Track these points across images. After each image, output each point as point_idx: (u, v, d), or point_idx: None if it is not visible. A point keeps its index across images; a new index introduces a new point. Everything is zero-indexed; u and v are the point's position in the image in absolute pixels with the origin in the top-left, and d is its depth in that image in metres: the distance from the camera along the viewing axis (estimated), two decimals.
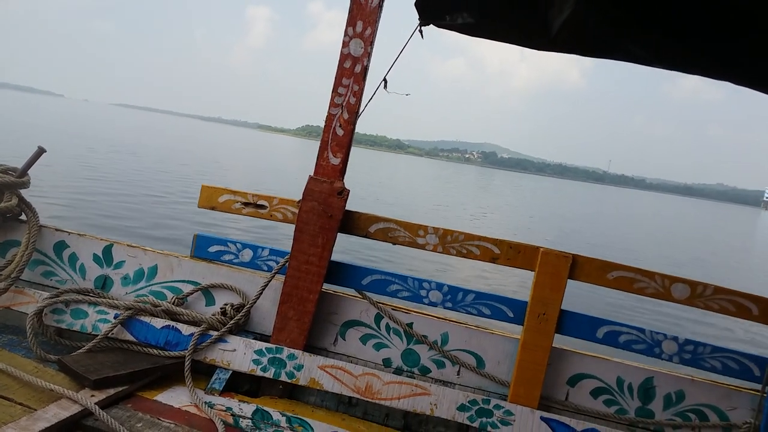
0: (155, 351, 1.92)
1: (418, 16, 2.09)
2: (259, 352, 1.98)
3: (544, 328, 1.91)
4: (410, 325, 2.06)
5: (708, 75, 1.96)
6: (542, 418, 1.87)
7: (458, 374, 2.02)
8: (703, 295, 1.83)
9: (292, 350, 1.98)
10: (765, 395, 1.77)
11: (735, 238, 35.93)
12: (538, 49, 2.06)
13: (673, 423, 1.86)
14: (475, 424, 1.87)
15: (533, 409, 1.89)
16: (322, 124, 2.03)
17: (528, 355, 1.92)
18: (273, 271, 2.09)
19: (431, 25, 2.14)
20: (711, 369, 1.83)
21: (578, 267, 1.92)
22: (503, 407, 1.90)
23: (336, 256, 2.06)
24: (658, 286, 1.87)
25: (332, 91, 2.02)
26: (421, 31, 2.14)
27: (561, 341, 1.97)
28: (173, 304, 2.08)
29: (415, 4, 2.08)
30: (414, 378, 2.03)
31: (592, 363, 1.94)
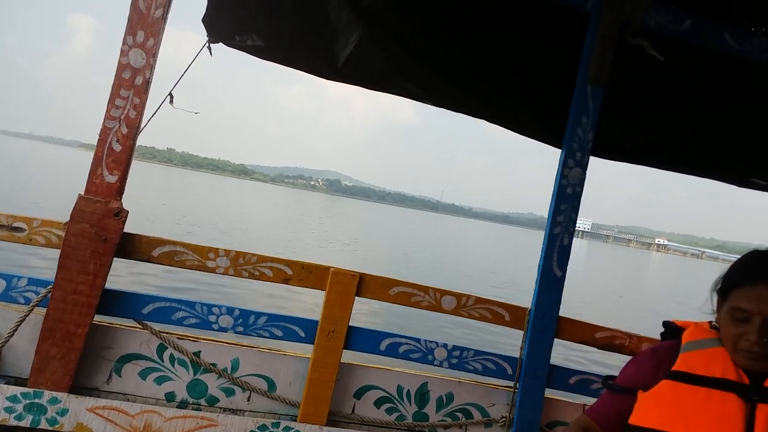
0: None
1: (206, 33, 2.05)
2: (13, 399, 1.70)
3: (333, 345, 1.98)
4: (197, 353, 1.97)
5: (468, 113, 2.26)
6: None
7: (249, 400, 1.98)
8: (467, 305, 2.08)
9: (54, 393, 1.74)
10: (516, 390, 2.07)
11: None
12: (327, 78, 2.16)
13: (444, 423, 2.06)
14: None
15: (321, 426, 1.93)
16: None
17: (318, 373, 1.96)
18: (31, 304, 1.82)
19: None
20: (474, 371, 2.08)
21: (364, 285, 2.04)
22: (293, 428, 1.91)
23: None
24: (431, 299, 2.07)
25: (108, 103, 1.85)
26: (209, 48, 2.09)
27: (349, 357, 2.06)
28: None
29: (203, 21, 2.03)
30: (201, 410, 1.93)
31: (376, 374, 2.06)
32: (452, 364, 2.07)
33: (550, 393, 2.10)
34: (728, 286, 1.35)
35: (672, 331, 1.57)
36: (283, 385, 2.02)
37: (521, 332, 2.09)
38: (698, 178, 2.27)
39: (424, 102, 2.25)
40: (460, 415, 2.08)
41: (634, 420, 1.44)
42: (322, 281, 2.01)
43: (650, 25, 2.08)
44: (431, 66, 2.14)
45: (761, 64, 2.08)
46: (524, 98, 2.21)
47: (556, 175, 2.10)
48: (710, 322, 1.48)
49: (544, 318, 2.05)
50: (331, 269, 2.01)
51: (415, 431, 2.05)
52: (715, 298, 1.39)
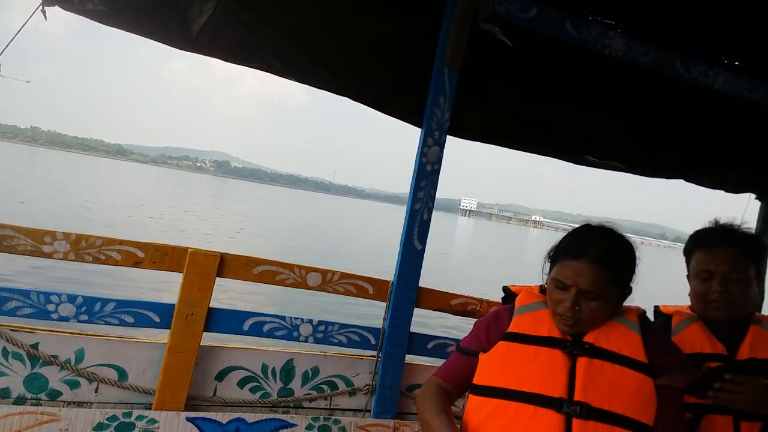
0: None
1: None
2: None
3: (192, 328, 1.91)
4: (35, 345, 1.79)
5: (331, 90, 2.26)
6: (188, 419, 1.87)
7: (96, 392, 1.85)
8: (332, 281, 2.11)
9: None
10: (379, 359, 2.15)
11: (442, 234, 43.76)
12: (181, 48, 2.04)
13: (309, 396, 2.09)
14: None
15: (179, 411, 1.87)
16: None
17: (175, 358, 1.89)
18: None
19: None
20: (339, 343, 2.13)
21: (226, 265, 1.98)
22: (147, 416, 1.82)
23: None
24: (296, 276, 2.07)
25: None
26: (44, 12, 1.87)
27: (211, 339, 2.01)
28: None
29: None
30: (40, 405, 1.77)
31: (239, 355, 2.03)
32: (318, 339, 2.10)
33: (410, 359, 2.22)
34: (555, 256, 1.52)
35: (509, 295, 1.73)
36: (136, 374, 1.91)
37: (384, 304, 2.17)
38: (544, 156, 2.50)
39: (287, 77, 2.21)
40: (325, 387, 2.13)
41: (477, 380, 1.57)
42: (179, 263, 1.93)
43: (500, 12, 2.21)
44: (292, 41, 2.10)
45: (595, 51, 2.32)
46: (386, 78, 2.26)
47: (417, 153, 2.19)
48: (541, 286, 1.65)
49: (405, 289, 2.15)
50: (189, 250, 1.93)
51: (281, 407, 2.06)
52: (547, 264, 1.55)
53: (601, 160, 2.35)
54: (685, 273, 1.82)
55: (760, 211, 2.67)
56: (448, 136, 2.20)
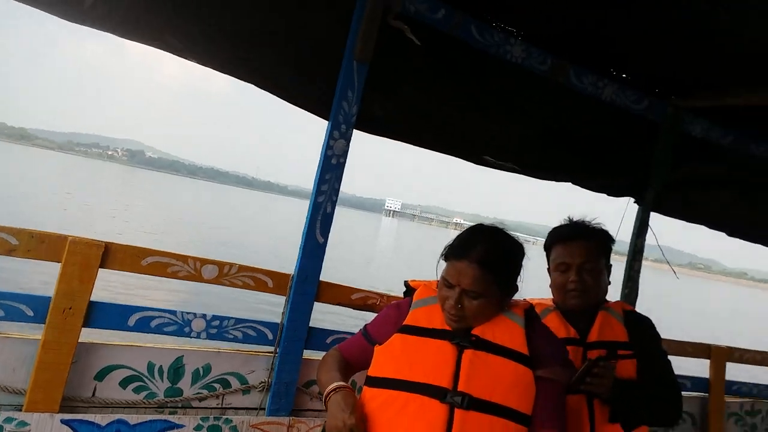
0: None
1: None
2: None
3: (69, 323, 1.76)
4: None
5: (237, 76, 2.18)
6: (63, 421, 1.73)
7: None
8: (229, 274, 2.04)
9: None
10: (276, 354, 2.10)
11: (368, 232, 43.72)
12: (73, 21, 1.88)
13: (199, 396, 2.00)
14: None
15: (53, 413, 1.72)
16: None
17: (50, 356, 1.73)
18: None
19: None
20: (234, 339, 2.05)
21: (111, 255, 1.85)
22: (16, 419, 1.66)
23: None
24: (191, 268, 1.97)
25: None
26: None
27: (91, 335, 1.87)
28: None
29: None
30: None
31: (122, 352, 1.91)
32: (211, 335, 2.02)
33: (309, 354, 2.19)
34: (446, 256, 1.57)
35: (410, 289, 1.78)
36: (5, 373, 1.74)
37: (284, 298, 2.13)
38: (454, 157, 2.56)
39: (190, 59, 2.10)
40: (217, 385, 2.05)
41: (372, 372, 1.59)
42: (57, 252, 1.77)
43: (410, 11, 2.24)
44: (197, 23, 2.00)
45: (498, 56, 2.42)
46: (294, 69, 2.22)
47: (322, 146, 2.16)
48: (438, 282, 1.71)
49: (306, 282, 2.12)
50: (69, 238, 1.78)
51: (167, 407, 1.95)
52: (442, 263, 1.59)
53: (498, 161, 2.46)
54: (546, 267, 1.97)
55: (637, 213, 2.91)
56: (355, 131, 2.21)
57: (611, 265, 2.01)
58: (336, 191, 2.16)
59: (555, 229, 2.03)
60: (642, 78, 2.67)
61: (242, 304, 8.47)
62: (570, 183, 2.70)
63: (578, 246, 1.90)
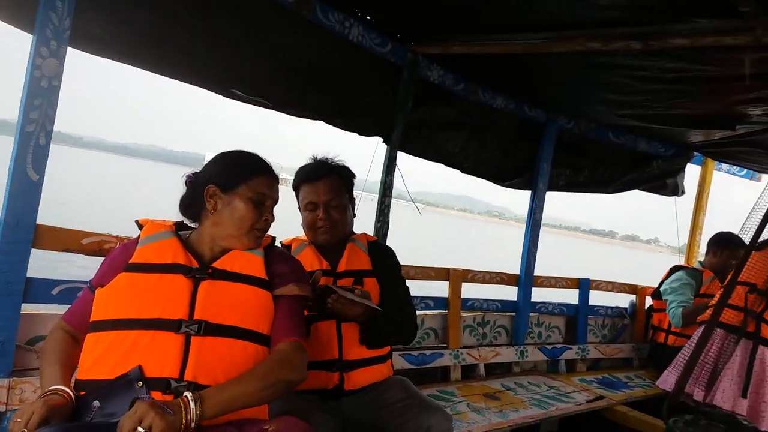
0: None
1: None
2: None
3: None
4: None
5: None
6: None
7: None
8: None
9: None
10: None
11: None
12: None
13: None
14: None
15: None
16: None
17: None
18: None
19: None
20: None
21: None
22: None
23: None
24: None
25: None
26: None
27: None
28: None
29: None
30: None
31: None
32: None
33: (31, 308, 1.91)
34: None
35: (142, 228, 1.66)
36: None
37: None
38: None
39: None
40: None
41: (94, 316, 1.47)
42: None
43: None
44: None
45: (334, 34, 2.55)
46: None
47: (27, 65, 1.82)
48: (176, 222, 1.67)
49: (18, 227, 1.80)
50: None
51: None
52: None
53: (248, 95, 2.39)
54: (297, 206, 2.07)
55: (386, 152, 3.15)
56: (71, 49, 1.90)
57: (355, 199, 2.16)
58: (51, 120, 1.85)
59: (301, 168, 2.10)
60: (385, 22, 2.84)
61: None
62: (322, 121, 2.78)
63: (323, 184, 2.00)
